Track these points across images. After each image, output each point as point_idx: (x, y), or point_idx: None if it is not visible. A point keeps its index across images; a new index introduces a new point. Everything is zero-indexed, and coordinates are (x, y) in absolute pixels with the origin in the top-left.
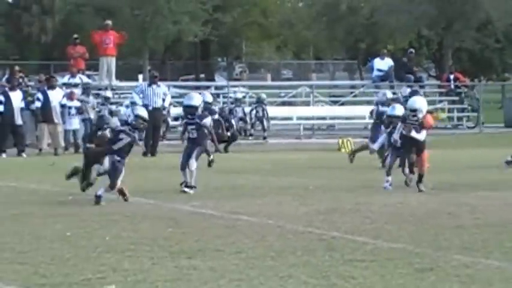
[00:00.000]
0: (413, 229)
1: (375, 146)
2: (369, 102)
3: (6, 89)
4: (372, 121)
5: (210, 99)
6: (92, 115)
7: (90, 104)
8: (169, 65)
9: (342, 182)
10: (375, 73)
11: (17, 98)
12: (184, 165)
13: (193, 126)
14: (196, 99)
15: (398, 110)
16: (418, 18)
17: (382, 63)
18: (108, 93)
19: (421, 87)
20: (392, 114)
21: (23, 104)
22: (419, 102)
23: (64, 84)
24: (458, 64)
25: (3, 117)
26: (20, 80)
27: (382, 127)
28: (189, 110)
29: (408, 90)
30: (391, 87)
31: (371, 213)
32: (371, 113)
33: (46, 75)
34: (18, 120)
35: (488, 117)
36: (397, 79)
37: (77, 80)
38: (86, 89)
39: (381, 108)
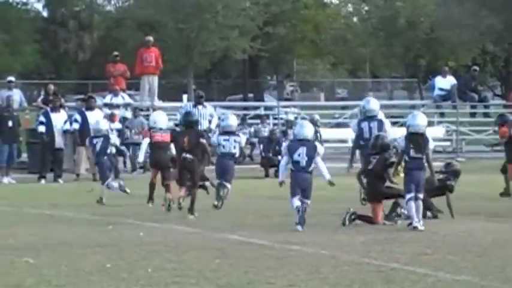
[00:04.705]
0: (479, 260)
1: None
2: (429, 124)
3: (48, 109)
4: None
5: None
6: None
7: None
8: (216, 84)
9: None
10: (436, 92)
11: (58, 119)
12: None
13: None
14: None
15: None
16: (482, 33)
17: (444, 82)
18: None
19: (486, 107)
20: None
21: (67, 126)
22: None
23: (106, 104)
24: None
25: (44, 140)
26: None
27: None
28: None
29: None
30: (454, 108)
31: (432, 242)
32: None
33: (84, 95)
34: (59, 144)
35: None
36: (460, 98)
37: (119, 99)
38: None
39: None
